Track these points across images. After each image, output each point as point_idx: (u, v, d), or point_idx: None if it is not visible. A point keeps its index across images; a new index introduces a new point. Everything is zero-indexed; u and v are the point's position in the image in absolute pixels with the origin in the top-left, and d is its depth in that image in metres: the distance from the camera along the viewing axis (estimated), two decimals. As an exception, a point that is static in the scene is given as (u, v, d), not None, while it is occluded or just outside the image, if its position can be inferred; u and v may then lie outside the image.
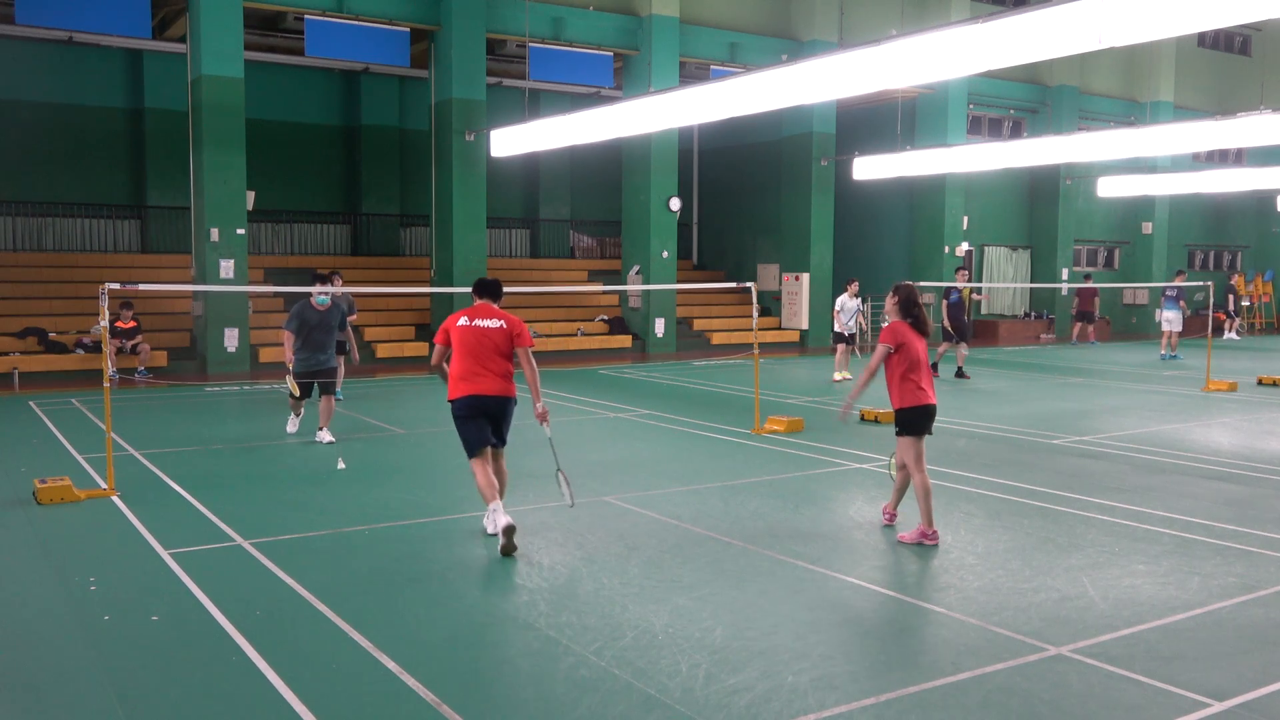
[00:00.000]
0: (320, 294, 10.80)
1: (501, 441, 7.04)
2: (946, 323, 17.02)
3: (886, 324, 7.15)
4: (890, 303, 7.14)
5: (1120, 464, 9.81)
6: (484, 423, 6.87)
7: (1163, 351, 21.70)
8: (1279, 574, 6.24)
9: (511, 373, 6.96)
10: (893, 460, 7.46)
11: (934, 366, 17.05)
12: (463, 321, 6.94)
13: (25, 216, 20.84)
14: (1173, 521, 7.54)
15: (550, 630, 5.19)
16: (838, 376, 16.95)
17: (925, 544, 6.83)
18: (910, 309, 7.06)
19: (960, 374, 17.10)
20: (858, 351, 19.38)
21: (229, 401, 14.44)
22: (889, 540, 7.00)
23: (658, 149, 21.81)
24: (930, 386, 7.01)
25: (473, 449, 6.87)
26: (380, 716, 4.27)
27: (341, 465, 9.39)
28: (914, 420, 6.94)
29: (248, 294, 18.01)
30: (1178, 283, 22.16)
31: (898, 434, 7.04)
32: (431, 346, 7.29)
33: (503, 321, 6.94)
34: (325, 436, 10.76)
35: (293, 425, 11.34)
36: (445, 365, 7.11)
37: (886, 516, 7.39)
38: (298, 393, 10.91)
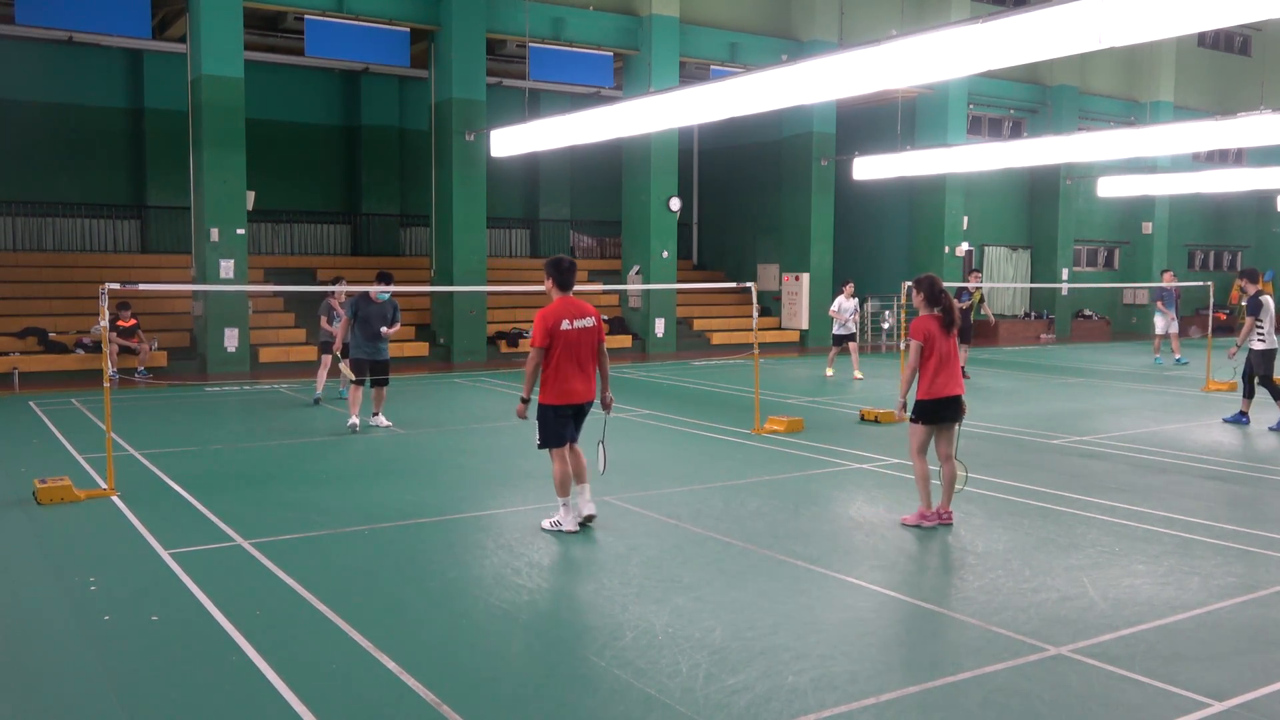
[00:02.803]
0: (380, 291, 11.43)
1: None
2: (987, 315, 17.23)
3: (916, 318, 7.27)
4: (917, 298, 7.27)
5: (1120, 464, 9.80)
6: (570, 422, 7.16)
7: (1177, 355, 20.25)
8: (1279, 574, 6.25)
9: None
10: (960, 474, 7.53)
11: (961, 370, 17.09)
12: (565, 325, 6.98)
13: (25, 216, 20.86)
14: (1173, 521, 7.54)
15: (550, 630, 5.18)
16: (829, 372, 17.80)
17: (925, 525, 7.11)
18: (936, 299, 7.18)
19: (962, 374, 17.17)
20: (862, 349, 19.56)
21: (229, 401, 14.44)
22: (889, 540, 7.01)
23: (658, 149, 21.81)
24: (955, 378, 7.23)
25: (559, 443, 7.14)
26: (380, 716, 4.27)
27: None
28: (931, 410, 7.15)
29: (248, 294, 18.01)
30: (1169, 283, 20.52)
31: (911, 420, 7.25)
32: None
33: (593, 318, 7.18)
34: (382, 420, 11.61)
35: (354, 419, 11.55)
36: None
37: (946, 516, 7.29)
38: (354, 375, 11.50)
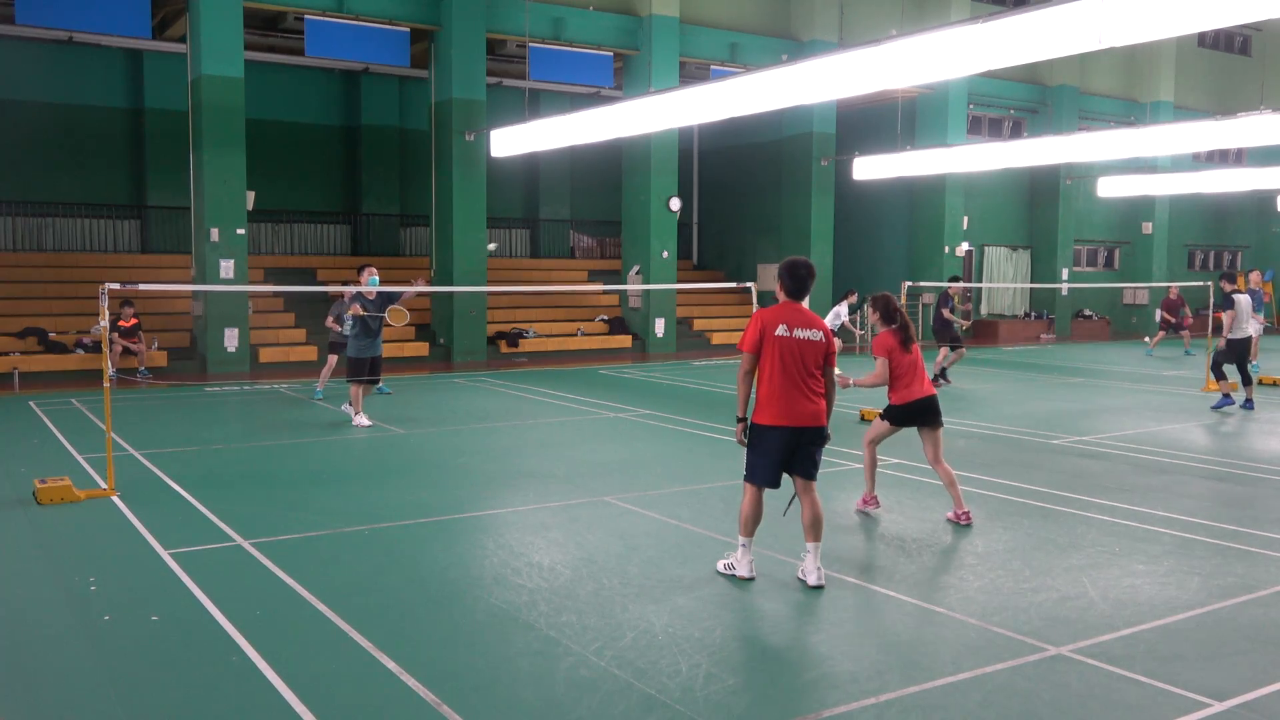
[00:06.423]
0: (368, 281, 11.83)
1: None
2: (960, 323, 16.79)
3: (876, 335, 7.63)
4: (873, 316, 7.66)
5: (1120, 464, 9.80)
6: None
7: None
8: (1279, 574, 6.25)
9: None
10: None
11: (943, 374, 16.49)
12: (780, 330, 5.84)
13: (25, 216, 20.85)
14: (1173, 521, 7.54)
15: (550, 630, 5.18)
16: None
17: (869, 511, 7.66)
18: (891, 317, 7.55)
19: (942, 376, 16.49)
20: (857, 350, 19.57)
21: (229, 401, 14.44)
22: (889, 540, 7.01)
23: (658, 149, 21.81)
24: (922, 383, 7.49)
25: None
26: (380, 716, 4.27)
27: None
28: (901, 414, 7.53)
29: (248, 294, 18.01)
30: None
31: (880, 417, 7.67)
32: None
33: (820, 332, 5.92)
34: (363, 420, 11.84)
35: (362, 419, 11.80)
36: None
37: (964, 517, 7.44)
38: (362, 376, 11.80)
